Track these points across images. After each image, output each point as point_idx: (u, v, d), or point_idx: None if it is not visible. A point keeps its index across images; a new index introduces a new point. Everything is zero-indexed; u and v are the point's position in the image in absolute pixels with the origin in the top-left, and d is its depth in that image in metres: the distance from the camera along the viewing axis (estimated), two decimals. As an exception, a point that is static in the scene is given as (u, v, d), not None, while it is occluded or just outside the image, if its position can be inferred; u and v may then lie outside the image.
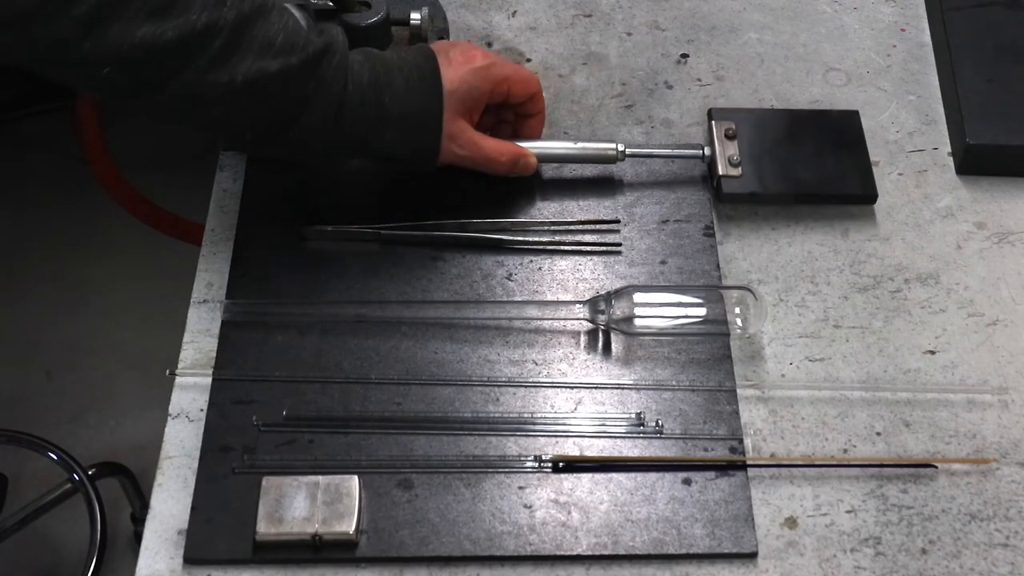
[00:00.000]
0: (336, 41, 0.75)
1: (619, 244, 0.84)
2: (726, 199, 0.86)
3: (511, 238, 0.84)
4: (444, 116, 0.78)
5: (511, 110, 0.85)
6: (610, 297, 0.78)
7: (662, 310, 0.79)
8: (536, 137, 0.86)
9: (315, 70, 0.73)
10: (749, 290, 0.79)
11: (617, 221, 0.85)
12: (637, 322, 0.78)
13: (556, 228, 0.85)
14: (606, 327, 0.79)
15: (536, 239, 0.84)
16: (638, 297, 0.78)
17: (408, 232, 0.83)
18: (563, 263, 0.83)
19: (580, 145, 0.87)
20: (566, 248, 0.84)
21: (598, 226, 0.85)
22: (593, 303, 0.79)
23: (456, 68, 0.79)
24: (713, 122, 0.89)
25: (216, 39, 0.69)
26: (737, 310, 0.79)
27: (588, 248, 0.84)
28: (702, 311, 0.79)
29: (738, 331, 0.79)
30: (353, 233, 0.83)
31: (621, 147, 0.87)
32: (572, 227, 0.85)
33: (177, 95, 0.70)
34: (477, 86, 0.79)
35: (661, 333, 0.79)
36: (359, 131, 0.76)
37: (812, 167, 0.88)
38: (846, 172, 0.88)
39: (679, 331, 0.79)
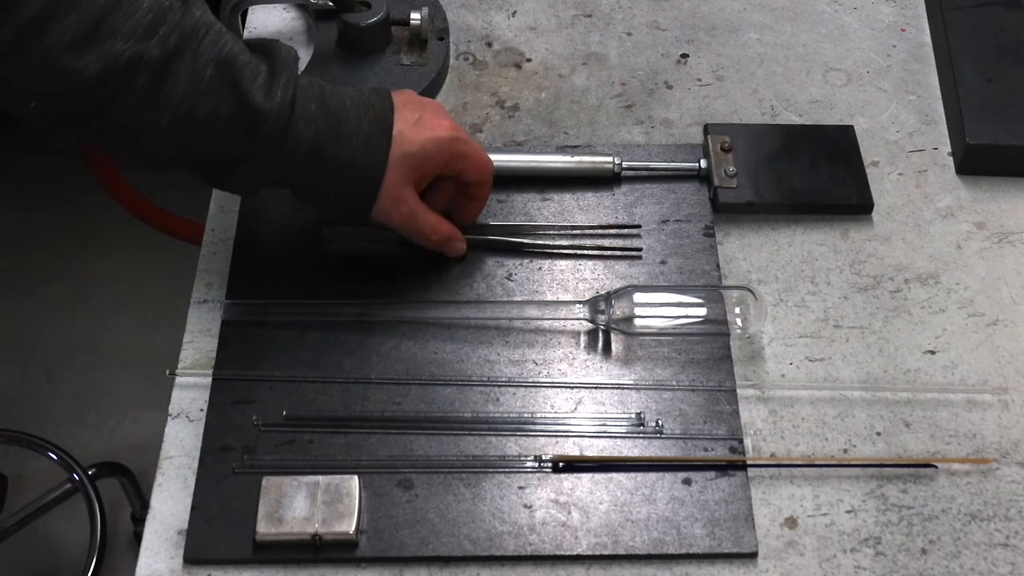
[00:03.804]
0: (273, 108, 0.70)
1: (640, 249, 0.84)
2: (723, 209, 0.86)
3: (530, 242, 0.83)
4: (388, 177, 0.74)
5: (452, 182, 0.80)
6: (610, 297, 0.78)
7: (662, 310, 0.79)
8: (467, 222, 0.83)
9: (253, 131, 0.70)
10: (749, 290, 0.79)
11: (638, 226, 0.85)
12: (637, 322, 0.78)
13: (575, 232, 0.85)
14: (606, 327, 0.79)
15: (556, 243, 0.84)
16: (638, 297, 0.78)
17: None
18: (563, 263, 0.83)
19: (576, 159, 0.87)
20: (588, 253, 0.83)
21: (620, 231, 0.85)
22: (593, 303, 0.79)
23: (419, 131, 0.75)
24: (709, 136, 0.90)
25: (141, 75, 0.65)
26: (737, 310, 0.79)
27: (609, 253, 0.83)
28: (702, 311, 0.79)
29: (738, 331, 0.79)
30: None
31: (618, 160, 0.87)
32: (591, 231, 0.85)
33: (113, 126, 0.68)
34: (434, 156, 0.75)
35: (661, 333, 0.79)
36: (291, 181, 0.75)
37: (808, 178, 0.88)
38: (842, 182, 0.88)
39: (679, 331, 0.79)
